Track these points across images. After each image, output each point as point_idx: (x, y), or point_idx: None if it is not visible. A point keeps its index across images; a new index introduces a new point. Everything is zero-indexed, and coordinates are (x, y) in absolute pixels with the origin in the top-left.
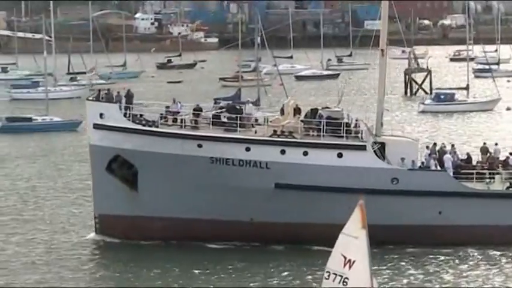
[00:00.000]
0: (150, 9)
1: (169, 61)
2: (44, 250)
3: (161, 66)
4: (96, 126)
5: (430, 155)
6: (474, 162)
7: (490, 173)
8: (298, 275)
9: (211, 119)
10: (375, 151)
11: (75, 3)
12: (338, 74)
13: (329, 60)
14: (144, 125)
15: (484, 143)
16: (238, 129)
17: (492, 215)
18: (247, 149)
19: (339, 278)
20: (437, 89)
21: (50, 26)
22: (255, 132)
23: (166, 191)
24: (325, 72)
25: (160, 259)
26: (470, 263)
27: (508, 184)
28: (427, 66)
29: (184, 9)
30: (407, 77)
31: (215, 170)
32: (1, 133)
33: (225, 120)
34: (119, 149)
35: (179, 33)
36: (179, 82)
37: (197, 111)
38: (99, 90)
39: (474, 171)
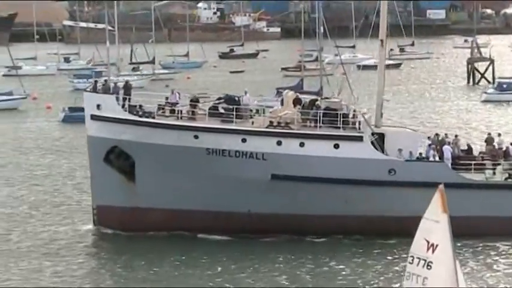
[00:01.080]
0: None
1: (231, 51)
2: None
3: (223, 56)
4: (94, 117)
5: (430, 145)
6: (477, 153)
7: (491, 164)
8: (296, 266)
9: (207, 110)
10: (373, 142)
11: None
12: (400, 64)
13: (391, 50)
14: (140, 116)
15: (489, 133)
16: (235, 120)
17: (490, 206)
18: (244, 140)
19: (422, 262)
20: (499, 78)
21: (113, 16)
22: (252, 123)
23: (163, 182)
24: (387, 62)
25: (158, 250)
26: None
27: (506, 175)
28: (490, 56)
29: None
30: (469, 66)
31: (211, 161)
32: (64, 123)
33: (222, 111)
34: (116, 140)
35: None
36: (241, 72)
37: (194, 102)
38: (96, 81)
39: (472, 162)
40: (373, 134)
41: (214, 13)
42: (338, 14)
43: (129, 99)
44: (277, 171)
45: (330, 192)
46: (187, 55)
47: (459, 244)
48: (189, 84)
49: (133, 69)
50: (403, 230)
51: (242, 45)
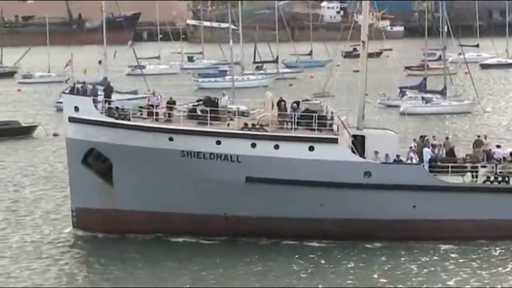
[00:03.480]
0: None
1: (355, 50)
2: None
3: (347, 55)
4: (71, 120)
5: (411, 148)
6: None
7: (471, 167)
8: (272, 269)
9: (185, 112)
10: (353, 144)
11: None
12: None
13: None
14: (116, 118)
15: (478, 136)
16: (209, 122)
17: (468, 209)
18: (218, 142)
19: None
20: None
21: (237, 15)
22: (228, 125)
23: (139, 184)
24: (510, 61)
25: (136, 252)
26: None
27: (484, 178)
28: None
29: None
30: None
31: (186, 164)
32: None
33: (199, 113)
34: (94, 142)
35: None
36: None
37: (170, 104)
38: (74, 84)
39: (450, 165)
40: (354, 136)
41: (338, 12)
42: (462, 13)
43: (109, 101)
44: (251, 174)
45: (305, 194)
46: (310, 54)
47: (446, 247)
48: (313, 83)
49: (257, 68)
50: (378, 233)
51: None
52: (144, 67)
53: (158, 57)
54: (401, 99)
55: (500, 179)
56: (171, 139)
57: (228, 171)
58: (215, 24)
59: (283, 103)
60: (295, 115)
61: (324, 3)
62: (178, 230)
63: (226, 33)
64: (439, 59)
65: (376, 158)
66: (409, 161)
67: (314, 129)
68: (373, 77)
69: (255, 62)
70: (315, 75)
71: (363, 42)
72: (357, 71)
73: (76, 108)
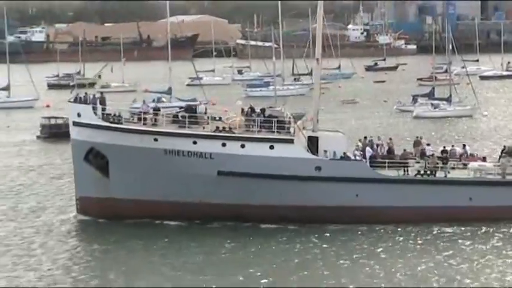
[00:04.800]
0: (360, 21)
1: (375, 64)
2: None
3: (369, 69)
4: (75, 124)
5: (356, 146)
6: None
7: (403, 163)
8: (238, 247)
9: (170, 117)
10: (308, 143)
11: (298, 17)
12: None
13: (508, 63)
14: (111, 123)
15: (417, 137)
16: (188, 126)
17: (402, 197)
18: (194, 142)
19: None
20: None
21: (278, 36)
22: (203, 128)
23: (131, 177)
24: (505, 73)
25: (127, 232)
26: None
27: (415, 172)
28: None
29: (388, 21)
30: None
31: (168, 160)
32: None
33: (181, 118)
34: (93, 143)
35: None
36: (383, 82)
37: (156, 110)
38: (77, 94)
39: (387, 161)
40: (310, 137)
41: (362, 33)
42: (464, 33)
43: (104, 108)
44: (222, 168)
45: (267, 185)
46: (339, 68)
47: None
48: (341, 92)
49: (295, 80)
50: (327, 217)
51: (384, 59)
52: (201, 78)
53: (213, 71)
54: (414, 105)
55: (428, 172)
56: (156, 140)
57: (202, 166)
58: (260, 43)
59: (249, 110)
60: (258, 119)
61: (349, 26)
62: (163, 215)
63: (270, 51)
64: (445, 71)
65: (325, 155)
66: (353, 158)
67: (274, 131)
68: (391, 87)
69: (293, 74)
70: (342, 85)
71: (317, 59)
72: (377, 82)
73: (78, 115)
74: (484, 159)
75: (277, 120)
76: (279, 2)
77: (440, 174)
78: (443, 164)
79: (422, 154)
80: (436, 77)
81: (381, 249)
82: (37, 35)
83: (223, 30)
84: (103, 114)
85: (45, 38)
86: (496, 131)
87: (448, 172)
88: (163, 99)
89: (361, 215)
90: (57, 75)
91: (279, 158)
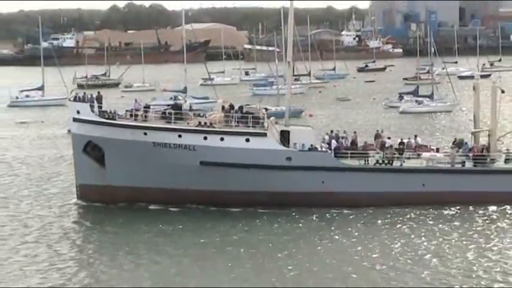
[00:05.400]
0: (353, 28)
1: (366, 66)
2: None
3: (360, 70)
4: (75, 120)
5: (323, 139)
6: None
7: (363, 153)
8: (216, 229)
9: (157, 114)
10: (280, 137)
11: (297, 24)
12: (490, 75)
13: (484, 64)
14: (106, 119)
15: (377, 130)
16: (174, 121)
17: (362, 184)
18: (180, 136)
19: None
20: None
21: (280, 41)
22: (187, 123)
23: (124, 167)
24: (481, 73)
25: (124, 217)
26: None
27: (375, 161)
28: None
29: (377, 28)
30: None
31: (157, 152)
32: None
33: (168, 115)
34: (91, 136)
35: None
36: (373, 81)
37: (146, 108)
38: (77, 94)
39: (349, 152)
40: (283, 131)
41: (354, 38)
42: (445, 38)
43: (101, 106)
44: (204, 159)
45: (243, 174)
46: (334, 69)
47: (346, 212)
48: (336, 90)
49: (295, 80)
50: (297, 201)
51: (374, 62)
52: (213, 79)
53: (223, 72)
54: (400, 102)
55: (386, 162)
56: (145, 134)
57: (187, 157)
58: (264, 48)
59: (229, 107)
60: (235, 116)
61: (343, 32)
62: (153, 200)
63: (273, 55)
64: (428, 72)
65: (295, 147)
66: (320, 149)
67: (250, 126)
68: (380, 86)
69: (293, 75)
70: (337, 85)
71: (288, 62)
72: (368, 81)
73: (78, 112)
74: (437, 150)
75: (253, 116)
76: (282, 11)
77: (397, 164)
78: (399, 154)
79: (382, 146)
80: (420, 77)
81: (349, 229)
82: (68, 41)
83: (232, 36)
84: (99, 111)
85: (75, 43)
86: (472, 124)
87: (404, 161)
88: (180, 97)
89: (326, 200)
90: (86, 77)
91: (253, 150)
